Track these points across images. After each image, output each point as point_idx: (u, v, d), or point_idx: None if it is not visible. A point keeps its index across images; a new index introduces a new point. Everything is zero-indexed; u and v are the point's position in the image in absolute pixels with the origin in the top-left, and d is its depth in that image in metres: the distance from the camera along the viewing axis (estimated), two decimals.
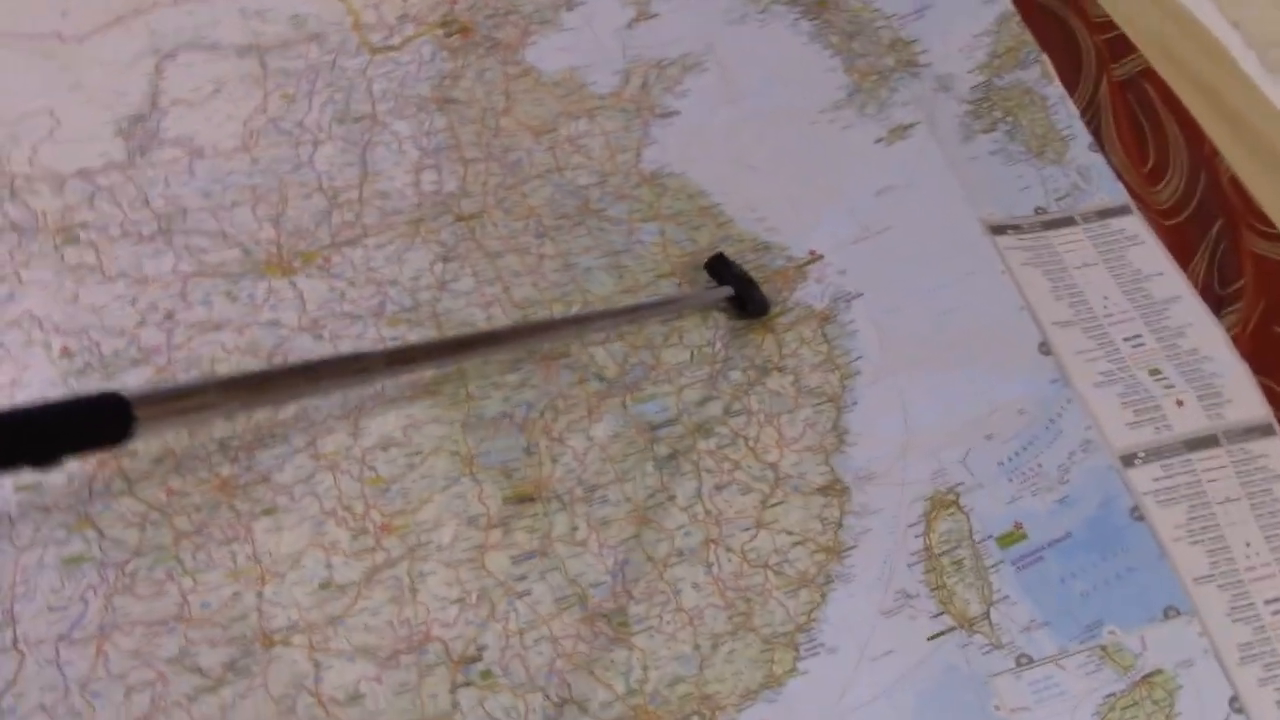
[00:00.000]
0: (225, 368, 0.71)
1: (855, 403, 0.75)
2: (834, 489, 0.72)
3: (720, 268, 0.77)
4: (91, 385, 0.70)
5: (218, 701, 0.62)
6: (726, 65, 0.85)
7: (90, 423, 0.43)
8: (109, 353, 0.71)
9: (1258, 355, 0.78)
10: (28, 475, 0.66)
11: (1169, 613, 0.69)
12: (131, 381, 0.70)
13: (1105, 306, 0.80)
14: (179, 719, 0.62)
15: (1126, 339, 0.78)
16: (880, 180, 0.83)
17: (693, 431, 0.74)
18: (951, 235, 0.81)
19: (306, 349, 0.73)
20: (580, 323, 0.74)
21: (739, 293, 0.75)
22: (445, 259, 0.77)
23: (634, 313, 0.76)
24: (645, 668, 0.66)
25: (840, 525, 0.71)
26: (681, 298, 0.77)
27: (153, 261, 0.74)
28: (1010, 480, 0.73)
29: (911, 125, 0.86)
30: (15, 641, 0.62)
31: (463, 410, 0.73)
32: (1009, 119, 0.88)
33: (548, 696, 0.65)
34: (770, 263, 0.80)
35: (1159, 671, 0.68)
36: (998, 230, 0.82)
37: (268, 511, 0.67)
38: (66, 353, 0.70)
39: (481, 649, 0.66)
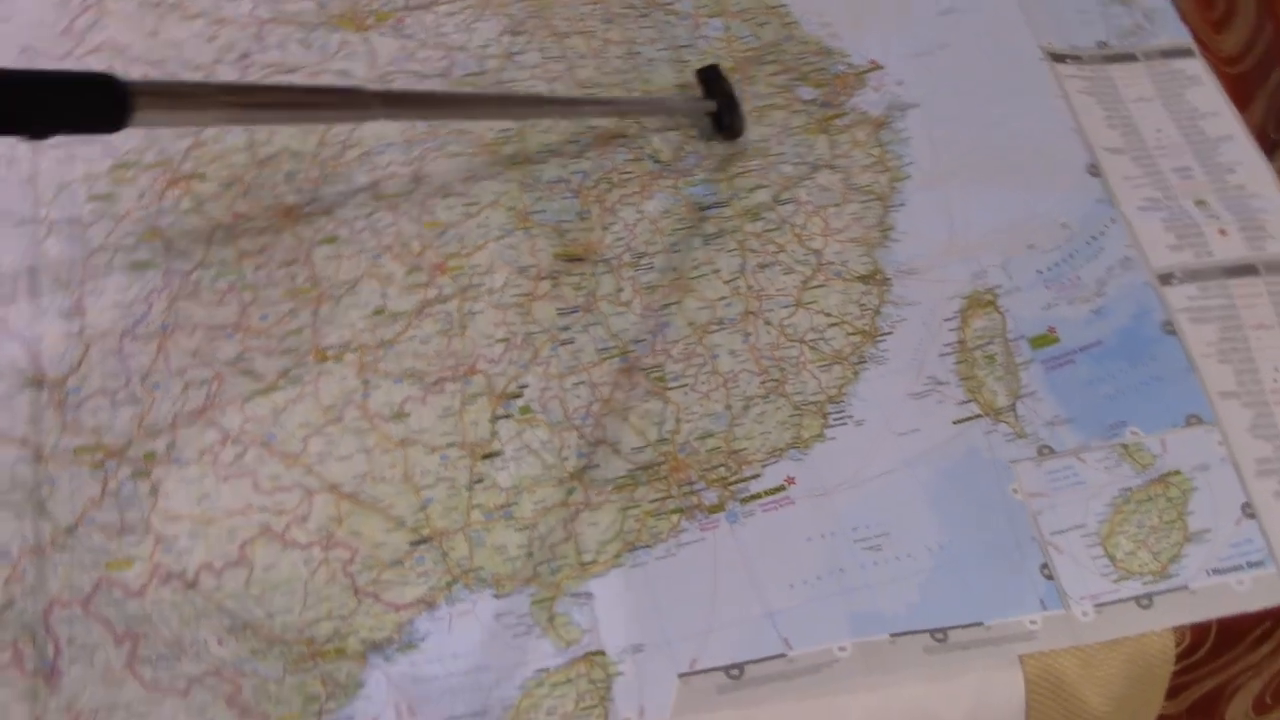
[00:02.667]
0: None
1: (903, 204, 0.76)
2: (874, 279, 0.74)
3: (712, 79, 0.77)
4: None
5: (270, 404, 0.65)
6: None
7: (85, 103, 0.41)
8: None
9: None
10: (101, 185, 0.69)
11: (1191, 420, 0.71)
12: None
13: (1158, 139, 0.81)
14: (233, 415, 0.64)
15: (1175, 169, 0.79)
16: (944, 1, 0.84)
17: (740, 215, 0.75)
18: (1010, 58, 0.82)
19: None
20: (567, 105, 0.76)
21: (720, 110, 0.76)
22: (514, 32, 0.79)
23: (620, 104, 0.78)
24: (678, 420, 0.69)
25: (878, 312, 0.73)
26: (666, 99, 0.78)
27: (231, 5, 0.76)
28: (1047, 288, 0.74)
29: None
30: (82, 330, 0.65)
31: (521, 171, 0.75)
32: None
33: (582, 436, 0.68)
34: (831, 67, 0.81)
35: (1176, 473, 0.69)
36: (1057, 58, 0.83)
37: (328, 240, 0.70)
38: None
39: (523, 387, 0.68)
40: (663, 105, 0.78)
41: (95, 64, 0.73)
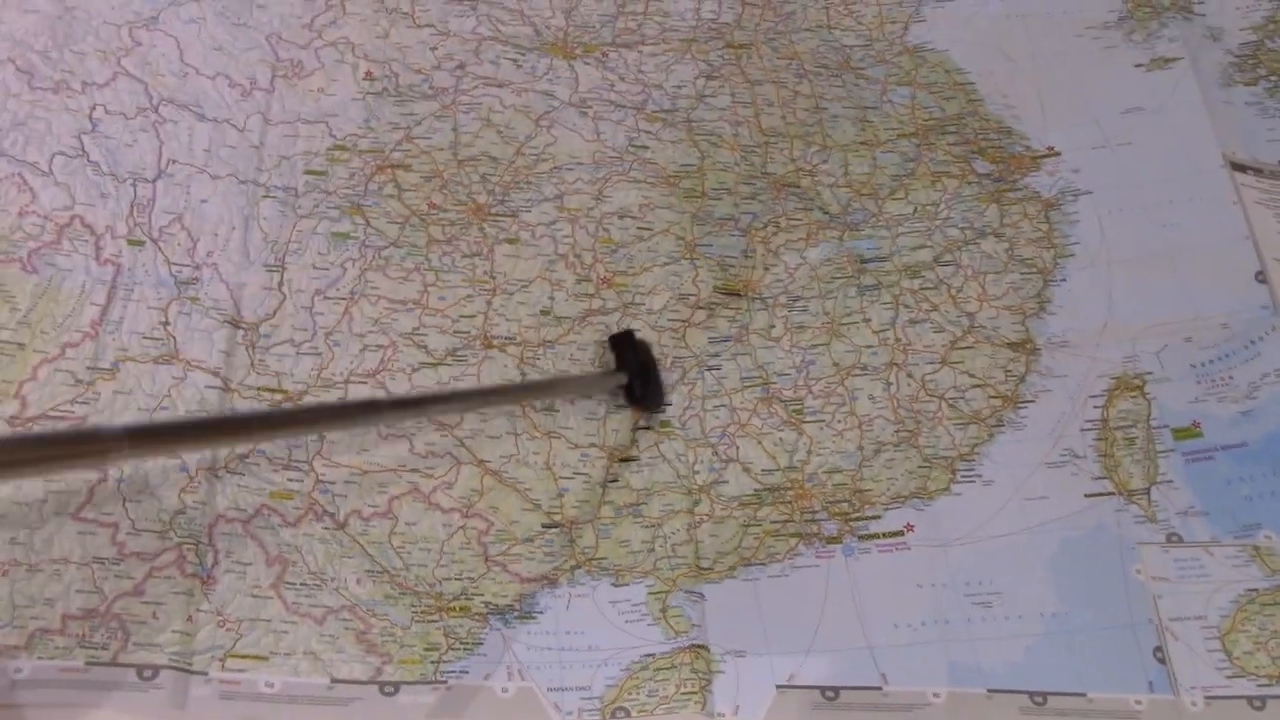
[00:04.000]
0: (500, 119, 0.79)
1: (1064, 279, 0.78)
2: (1025, 347, 0.75)
3: (624, 346, 0.71)
4: (386, 108, 0.79)
5: (435, 377, 0.70)
6: None
7: None
8: (405, 84, 0.80)
9: None
10: (318, 161, 0.76)
11: None
12: (420, 111, 0.79)
13: None
14: (400, 380, 0.70)
15: None
16: (1131, 100, 0.86)
17: (900, 270, 0.78)
18: (1191, 161, 0.83)
19: (572, 121, 0.80)
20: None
21: (632, 381, 0.70)
22: (709, 77, 0.84)
23: (525, 392, 0.72)
24: (809, 452, 0.71)
25: (1023, 380, 0.74)
26: (577, 380, 0.72)
27: (457, 20, 0.83)
28: (1198, 383, 0.74)
29: (1174, 60, 0.88)
30: (280, 284, 0.71)
31: (696, 204, 0.79)
32: (1273, 78, 0.89)
33: (716, 453, 0.71)
34: (1009, 147, 0.84)
35: None
36: (1238, 168, 0.83)
37: (510, 240, 0.75)
38: (370, 76, 0.80)
39: (666, 404, 0.72)
40: (569, 387, 0.71)
41: (330, 55, 0.80)
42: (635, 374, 0.70)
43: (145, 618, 0.60)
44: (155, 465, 0.64)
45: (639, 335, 0.72)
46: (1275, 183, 0.84)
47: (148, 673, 0.59)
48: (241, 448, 0.65)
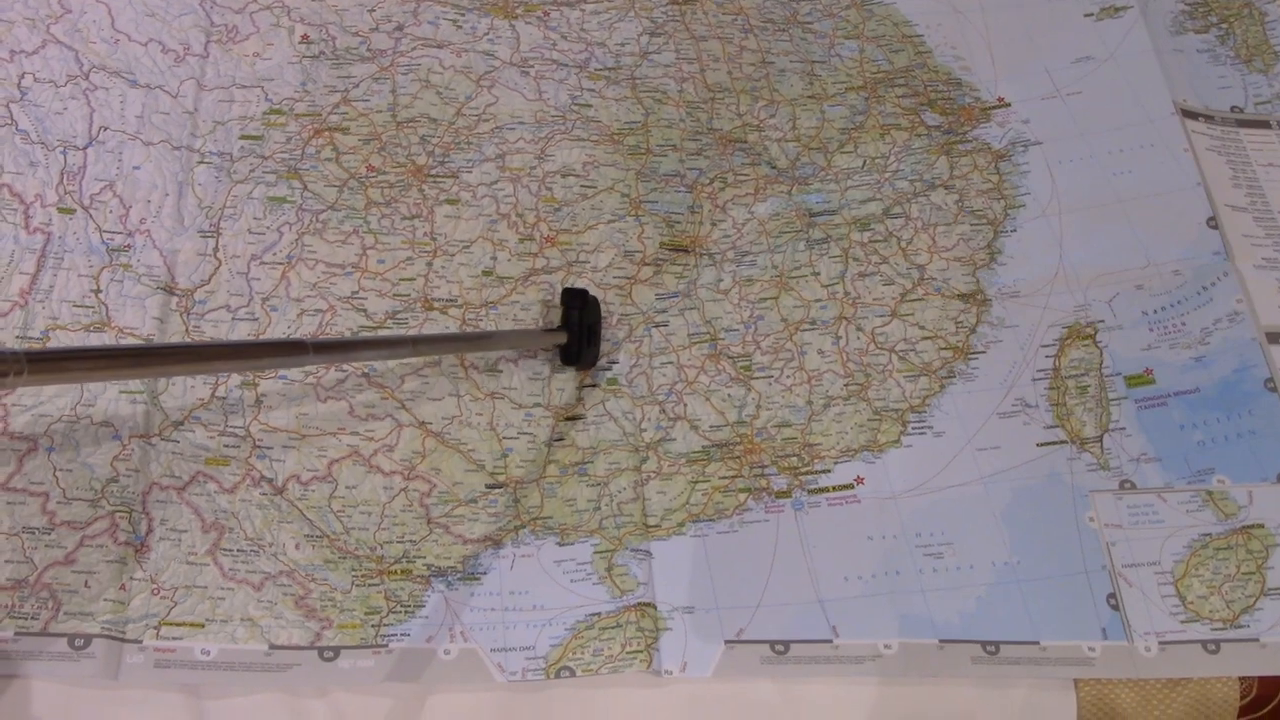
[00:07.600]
0: (440, 80, 0.78)
1: (1014, 230, 0.77)
2: (975, 298, 0.74)
3: (574, 304, 0.69)
4: (323, 71, 0.77)
5: None
6: None
7: None
8: (342, 47, 0.79)
9: None
10: (254, 126, 0.74)
11: None
12: (358, 73, 0.77)
13: None
14: None
15: None
16: (1081, 50, 0.85)
17: (849, 223, 0.77)
18: (1141, 109, 0.82)
19: (514, 81, 0.79)
20: (410, 344, 0.65)
21: (570, 342, 0.69)
22: (653, 34, 0.83)
23: (461, 341, 0.70)
24: (758, 407, 0.70)
25: (973, 331, 0.73)
26: (515, 334, 0.70)
27: None
28: (1151, 330, 0.74)
29: (1124, 8, 0.87)
30: (216, 250, 0.70)
31: (640, 161, 0.78)
32: (1224, 25, 0.89)
33: (663, 410, 0.70)
34: (959, 98, 0.83)
35: (1260, 526, 0.68)
36: (1189, 115, 0.83)
37: (451, 201, 0.74)
38: (306, 40, 0.78)
39: (613, 362, 0.71)
40: (506, 341, 0.69)
41: (265, 19, 0.78)
42: (577, 336, 0.68)
43: (77, 587, 0.59)
44: (87, 433, 0.63)
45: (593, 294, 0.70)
46: (1226, 129, 0.83)
47: (79, 642, 0.58)
48: (148, 378, 0.63)
